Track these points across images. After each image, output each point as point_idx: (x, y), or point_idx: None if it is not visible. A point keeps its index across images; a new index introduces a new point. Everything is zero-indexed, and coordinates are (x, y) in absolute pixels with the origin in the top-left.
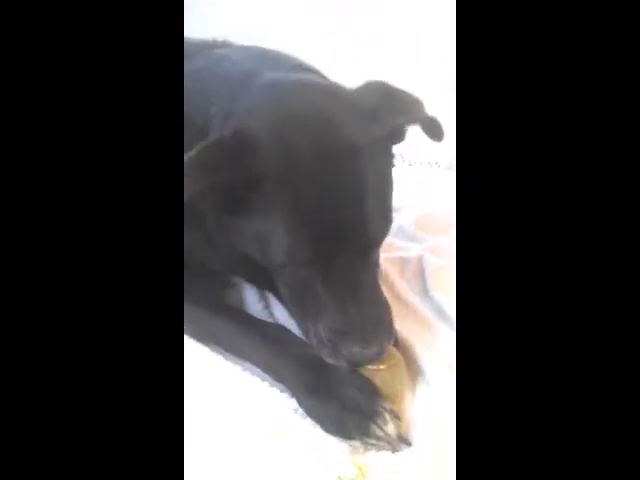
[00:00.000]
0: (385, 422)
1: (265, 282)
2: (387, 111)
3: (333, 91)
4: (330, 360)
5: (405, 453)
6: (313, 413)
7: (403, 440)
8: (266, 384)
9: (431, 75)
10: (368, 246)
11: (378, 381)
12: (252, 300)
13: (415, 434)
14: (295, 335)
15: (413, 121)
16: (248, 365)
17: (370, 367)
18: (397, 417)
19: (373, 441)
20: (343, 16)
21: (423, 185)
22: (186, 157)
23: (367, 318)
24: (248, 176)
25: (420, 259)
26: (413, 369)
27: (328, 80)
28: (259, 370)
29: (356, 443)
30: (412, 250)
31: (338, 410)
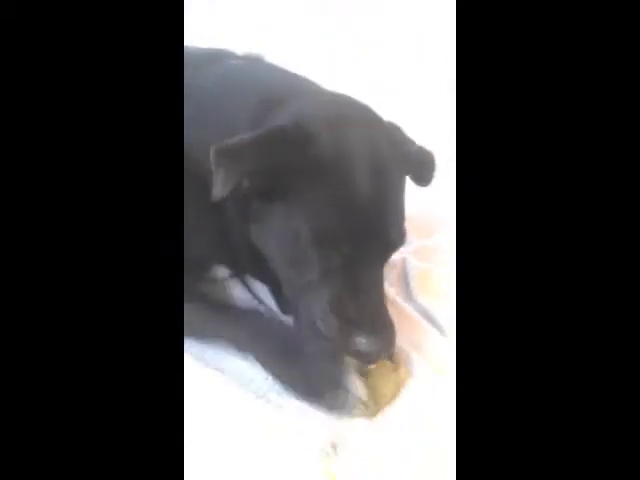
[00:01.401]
0: (354, 385)
1: (266, 278)
2: (404, 143)
3: (373, 112)
4: (336, 349)
5: (379, 456)
6: (283, 377)
7: (377, 405)
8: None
9: (431, 75)
10: (389, 249)
11: (367, 383)
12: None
13: (401, 433)
14: (268, 318)
15: (418, 152)
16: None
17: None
18: (365, 376)
19: (344, 406)
20: (343, 16)
21: (409, 187)
22: (237, 140)
23: (379, 315)
24: (301, 162)
25: (403, 262)
26: (401, 370)
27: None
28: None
29: (327, 409)
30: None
31: (306, 372)
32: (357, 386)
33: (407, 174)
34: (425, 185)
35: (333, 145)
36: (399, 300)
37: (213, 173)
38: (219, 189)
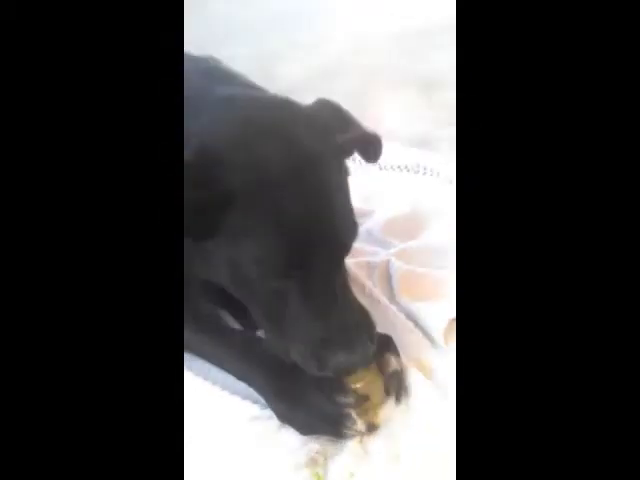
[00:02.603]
0: (354, 422)
1: (233, 309)
2: (337, 127)
3: (288, 106)
4: (317, 374)
5: (365, 459)
6: (283, 417)
7: (372, 428)
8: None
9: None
10: (340, 251)
11: (353, 378)
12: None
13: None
14: (262, 340)
15: (359, 138)
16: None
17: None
18: (365, 409)
19: (344, 438)
20: (342, 16)
21: (393, 189)
22: None
23: (348, 323)
24: (218, 193)
25: (387, 264)
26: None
27: (280, 96)
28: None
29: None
30: (379, 255)
31: (307, 416)
32: (357, 422)
33: (347, 157)
34: (373, 162)
35: (243, 165)
36: (384, 301)
37: None
38: None
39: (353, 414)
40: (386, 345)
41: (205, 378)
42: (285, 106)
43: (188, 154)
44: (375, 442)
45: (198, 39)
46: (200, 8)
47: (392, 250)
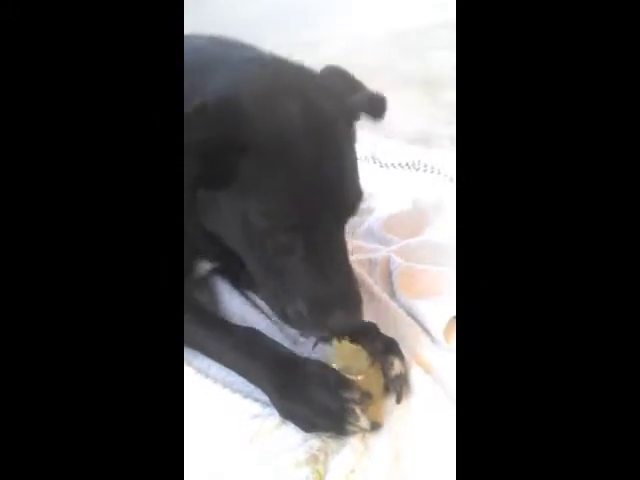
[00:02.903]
0: (357, 418)
1: (231, 267)
2: (347, 90)
3: (307, 71)
4: (312, 334)
5: (366, 455)
6: (286, 414)
7: (375, 426)
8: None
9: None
10: (346, 212)
11: (354, 371)
12: (229, 296)
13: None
14: (265, 337)
15: (366, 99)
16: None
17: (353, 346)
18: (367, 407)
19: (347, 434)
20: (343, 15)
21: (394, 186)
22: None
23: (348, 286)
24: (233, 142)
25: (387, 261)
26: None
27: (296, 62)
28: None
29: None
30: (379, 252)
31: (309, 412)
32: (360, 419)
33: (356, 121)
34: (380, 118)
35: (264, 119)
36: (384, 297)
37: None
38: None
39: (357, 410)
40: (391, 348)
41: (206, 376)
42: (301, 71)
43: (208, 100)
44: (375, 439)
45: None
46: (199, 7)
47: (393, 247)
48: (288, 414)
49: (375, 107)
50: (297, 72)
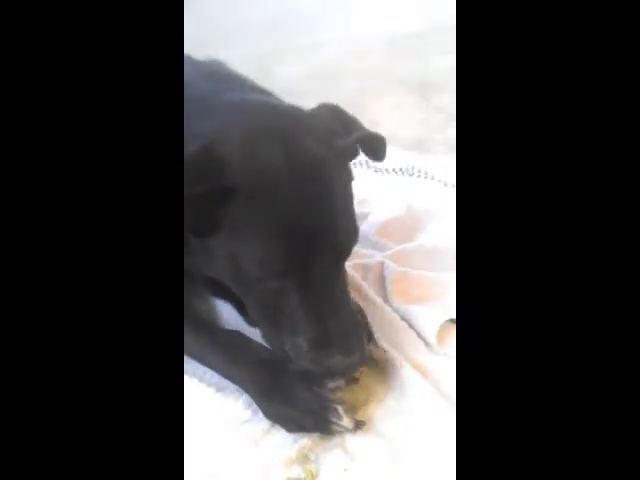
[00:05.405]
0: (340, 417)
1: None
2: (341, 130)
3: (293, 111)
4: (311, 367)
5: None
6: (271, 415)
7: (359, 425)
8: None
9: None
10: (340, 255)
11: (345, 395)
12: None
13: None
14: (249, 339)
15: (362, 139)
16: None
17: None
18: (351, 407)
19: (331, 434)
20: (340, 19)
21: (388, 192)
22: None
23: (346, 327)
24: (219, 190)
25: (381, 266)
26: (383, 371)
27: (284, 102)
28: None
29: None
30: (374, 257)
31: (293, 413)
32: (343, 418)
33: (350, 160)
34: (379, 161)
35: (246, 163)
36: (379, 302)
37: None
38: None
39: (340, 409)
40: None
41: (200, 380)
42: (290, 112)
43: (190, 150)
44: (369, 439)
45: (196, 40)
46: (198, 10)
47: (387, 252)
48: (273, 416)
49: (374, 148)
50: (283, 114)
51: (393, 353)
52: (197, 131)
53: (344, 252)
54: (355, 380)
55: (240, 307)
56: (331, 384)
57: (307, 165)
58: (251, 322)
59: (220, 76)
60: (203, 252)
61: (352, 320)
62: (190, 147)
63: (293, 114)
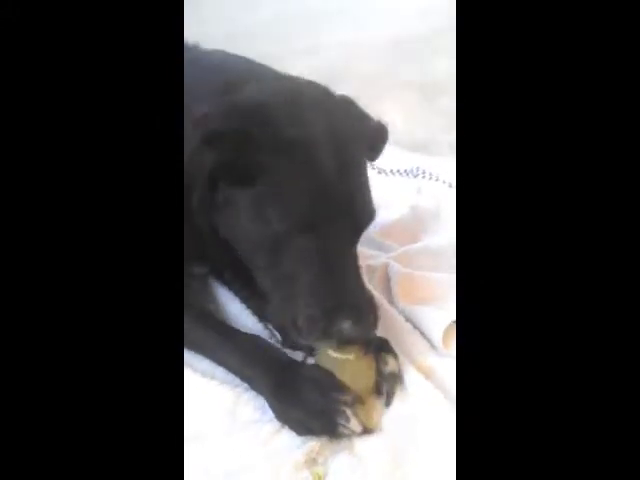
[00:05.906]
0: (348, 420)
1: (236, 275)
2: (357, 118)
3: (331, 93)
4: (318, 342)
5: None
6: (281, 417)
7: (367, 430)
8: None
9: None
10: (358, 226)
11: (346, 376)
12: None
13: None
14: (265, 342)
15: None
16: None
17: (339, 356)
18: (358, 410)
19: (339, 437)
20: (342, 21)
21: (393, 193)
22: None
23: (359, 295)
24: (265, 140)
25: (386, 267)
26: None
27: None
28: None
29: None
30: (379, 258)
31: (303, 414)
32: (352, 426)
33: (366, 149)
34: (374, 160)
35: (293, 125)
36: (384, 303)
37: (191, 157)
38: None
39: (348, 412)
40: (384, 346)
41: (203, 376)
42: (327, 91)
43: (238, 98)
44: (376, 442)
45: (196, 42)
46: (198, 12)
47: (392, 253)
48: (284, 417)
49: (379, 139)
50: (323, 92)
51: (398, 355)
52: (247, 92)
53: (363, 223)
54: (361, 399)
55: (245, 299)
56: (336, 395)
57: (344, 140)
58: (257, 310)
59: (259, 63)
60: (230, 209)
61: (364, 292)
62: (245, 99)
63: (331, 94)
